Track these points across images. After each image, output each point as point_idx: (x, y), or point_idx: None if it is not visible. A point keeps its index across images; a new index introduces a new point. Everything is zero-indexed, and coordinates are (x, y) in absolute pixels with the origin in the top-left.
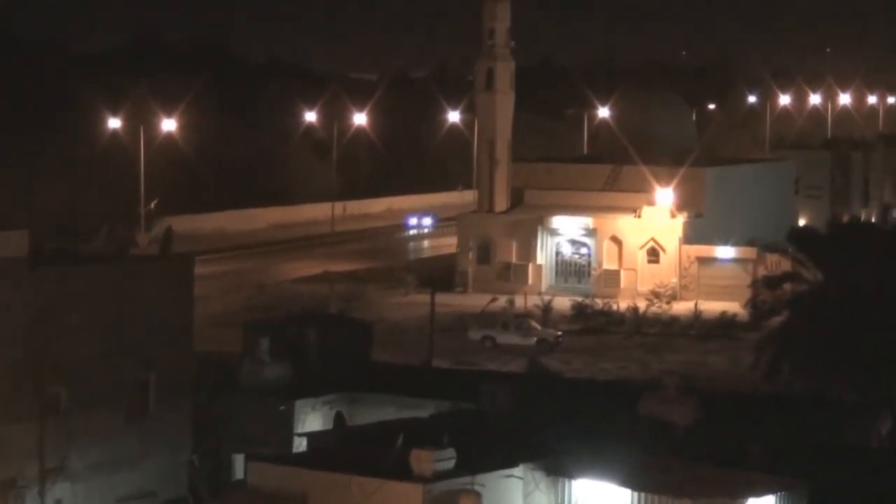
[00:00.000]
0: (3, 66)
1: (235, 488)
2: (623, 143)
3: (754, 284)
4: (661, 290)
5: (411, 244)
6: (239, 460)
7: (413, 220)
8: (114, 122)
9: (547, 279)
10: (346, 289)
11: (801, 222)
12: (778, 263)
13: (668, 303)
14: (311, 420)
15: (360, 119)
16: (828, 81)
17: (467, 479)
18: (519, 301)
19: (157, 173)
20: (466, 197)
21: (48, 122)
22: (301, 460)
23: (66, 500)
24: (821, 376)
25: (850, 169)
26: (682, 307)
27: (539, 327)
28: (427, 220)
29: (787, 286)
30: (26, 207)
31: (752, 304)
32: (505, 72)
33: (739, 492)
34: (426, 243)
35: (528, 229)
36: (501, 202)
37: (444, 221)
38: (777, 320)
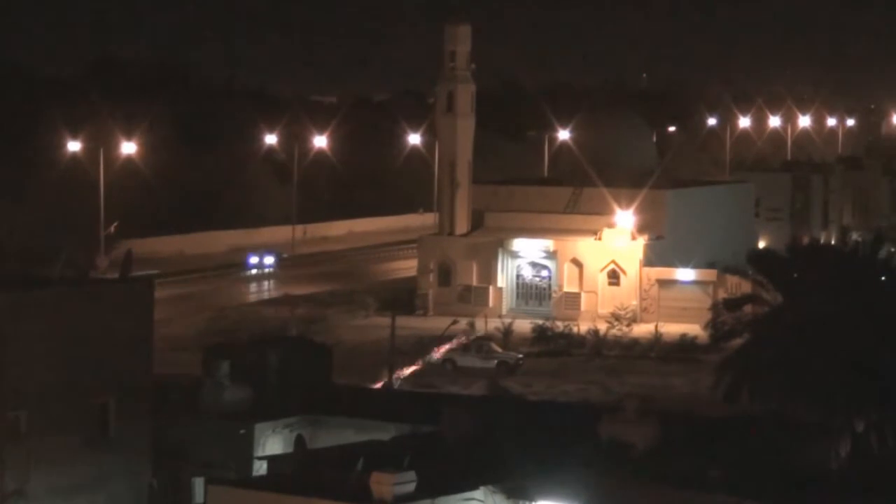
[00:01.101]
0: None
1: None
2: (584, 165)
3: (714, 306)
4: (622, 312)
5: (252, 285)
6: (199, 484)
7: (254, 259)
8: (74, 145)
9: (507, 302)
10: (306, 312)
11: (762, 244)
12: (738, 286)
13: (628, 325)
14: (272, 443)
15: (320, 142)
16: (787, 104)
17: (427, 502)
18: (479, 324)
19: (117, 196)
20: (427, 219)
21: (7, 145)
22: (261, 484)
23: None
24: (781, 398)
25: (810, 191)
26: (642, 329)
27: (500, 350)
28: (269, 259)
29: (748, 308)
30: None
31: (713, 326)
32: (465, 94)
33: None
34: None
35: (489, 252)
36: (462, 225)
37: (405, 244)
38: (737, 342)
